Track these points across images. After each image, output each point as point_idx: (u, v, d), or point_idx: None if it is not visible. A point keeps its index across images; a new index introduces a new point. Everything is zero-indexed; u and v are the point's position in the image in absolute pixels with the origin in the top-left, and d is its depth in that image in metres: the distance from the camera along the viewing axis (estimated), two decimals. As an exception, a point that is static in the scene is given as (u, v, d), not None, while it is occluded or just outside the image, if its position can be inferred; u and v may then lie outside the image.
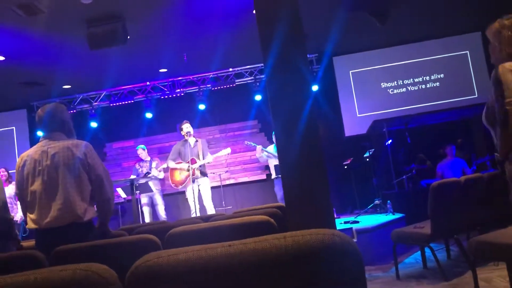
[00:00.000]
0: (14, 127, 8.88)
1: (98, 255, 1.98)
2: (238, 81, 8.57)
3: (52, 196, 2.71)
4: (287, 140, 2.51)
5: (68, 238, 2.39)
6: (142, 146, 7.96)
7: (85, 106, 8.83)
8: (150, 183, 7.47)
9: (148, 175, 7.45)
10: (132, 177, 7.58)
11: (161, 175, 7.59)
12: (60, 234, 2.65)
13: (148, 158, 7.91)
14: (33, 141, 8.48)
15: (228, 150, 6.83)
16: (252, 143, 7.42)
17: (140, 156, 7.89)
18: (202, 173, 6.65)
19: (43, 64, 6.79)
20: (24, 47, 6.06)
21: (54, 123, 2.86)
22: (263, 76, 8.41)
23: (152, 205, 7.73)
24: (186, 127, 6.71)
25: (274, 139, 7.43)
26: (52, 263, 1.98)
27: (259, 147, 7.21)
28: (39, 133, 7.13)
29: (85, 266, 0.87)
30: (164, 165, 7.35)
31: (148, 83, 8.61)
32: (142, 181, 7.33)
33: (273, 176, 7.13)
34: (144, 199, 7.68)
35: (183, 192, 6.99)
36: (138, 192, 6.90)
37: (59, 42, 6.04)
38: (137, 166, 7.89)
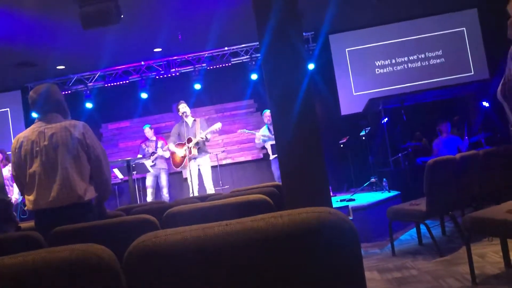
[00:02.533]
0: (8, 109, 8.82)
1: (96, 236, 1.99)
2: (234, 60, 8.51)
3: (52, 177, 2.71)
4: (283, 119, 2.51)
5: (68, 218, 2.39)
6: (149, 125, 7.99)
7: (80, 86, 8.76)
8: (157, 162, 7.53)
9: (154, 155, 7.50)
10: (139, 156, 7.62)
11: (167, 154, 7.59)
12: (60, 214, 2.66)
13: (154, 138, 7.92)
14: (28, 122, 8.44)
15: (219, 124, 6.78)
16: (247, 130, 7.43)
17: (146, 135, 7.91)
18: (200, 151, 6.65)
19: (36, 44, 6.70)
20: (16, 27, 5.97)
21: (49, 104, 2.84)
22: (258, 55, 8.35)
23: (157, 186, 7.77)
24: (182, 107, 6.70)
25: (265, 119, 7.45)
26: (50, 244, 1.99)
27: (258, 135, 7.22)
28: (34, 115, 7.09)
29: (83, 246, 0.87)
30: (166, 146, 7.38)
31: (142, 62, 8.54)
32: (149, 160, 7.37)
33: (271, 156, 7.16)
34: (148, 179, 7.70)
35: (177, 172, 7.01)
36: (135, 172, 6.91)
37: (52, 22, 5.96)
38: (143, 146, 7.93)
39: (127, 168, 6.08)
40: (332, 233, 0.83)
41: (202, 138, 6.60)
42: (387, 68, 8.44)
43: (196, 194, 6.46)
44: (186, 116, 6.69)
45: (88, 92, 8.68)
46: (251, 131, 7.39)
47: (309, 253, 0.83)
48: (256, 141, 7.40)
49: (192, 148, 6.53)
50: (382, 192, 6.11)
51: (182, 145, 6.68)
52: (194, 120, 6.80)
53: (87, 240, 0.94)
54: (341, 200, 5.72)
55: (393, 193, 5.96)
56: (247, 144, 8.81)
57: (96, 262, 0.85)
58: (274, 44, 2.63)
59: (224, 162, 8.72)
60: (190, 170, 6.53)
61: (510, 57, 2.05)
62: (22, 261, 0.85)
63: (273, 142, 6.75)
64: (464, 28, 8.27)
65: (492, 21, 7.49)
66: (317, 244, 0.83)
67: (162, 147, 7.68)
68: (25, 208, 2.83)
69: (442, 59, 8.33)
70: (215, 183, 7.32)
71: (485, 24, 8.10)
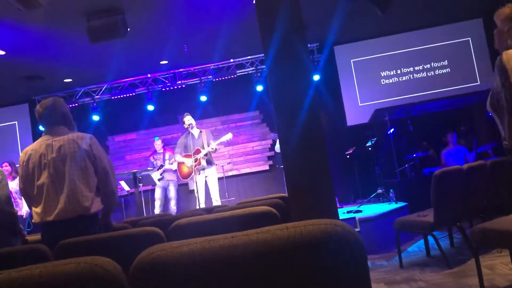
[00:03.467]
0: (16, 122, 8.89)
1: (102, 248, 1.99)
2: (240, 72, 8.55)
3: (59, 189, 2.72)
4: (288, 130, 2.51)
5: (75, 231, 2.40)
6: (158, 137, 8.07)
7: (87, 99, 8.83)
8: (165, 175, 7.55)
9: (162, 168, 7.54)
10: (149, 169, 7.66)
11: (174, 167, 7.59)
12: (67, 227, 2.66)
13: (162, 151, 7.95)
14: (36, 135, 8.50)
15: (230, 135, 6.80)
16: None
17: (156, 147, 7.96)
18: (208, 162, 6.65)
19: (43, 58, 6.78)
20: (24, 41, 6.05)
21: (55, 117, 2.87)
22: (264, 66, 8.38)
23: (166, 198, 7.78)
24: (188, 120, 6.71)
25: None
26: (56, 257, 1.99)
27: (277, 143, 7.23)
28: (42, 128, 7.14)
29: (89, 259, 0.87)
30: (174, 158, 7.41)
31: (149, 75, 8.60)
32: (156, 173, 7.40)
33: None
34: (157, 192, 7.71)
35: (185, 184, 7.00)
36: (141, 185, 6.93)
37: (59, 35, 6.03)
38: (151, 159, 7.97)
39: (134, 180, 6.10)
40: (338, 245, 0.83)
41: (212, 149, 6.59)
42: (393, 79, 8.43)
43: (203, 206, 6.45)
44: (192, 127, 6.70)
45: (95, 104, 8.74)
46: (271, 134, 7.45)
47: (315, 265, 0.83)
48: (276, 147, 7.42)
49: (201, 159, 6.54)
50: (389, 203, 6.07)
51: (189, 156, 6.67)
52: (200, 132, 6.81)
53: (93, 253, 0.94)
54: (348, 212, 5.69)
55: (400, 204, 5.92)
56: (252, 156, 8.81)
57: (102, 275, 0.85)
58: (279, 55, 2.64)
59: (230, 173, 8.72)
60: (196, 182, 6.53)
61: (497, 68, 2.04)
62: (29, 275, 0.85)
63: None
64: (470, 38, 8.27)
65: (498, 31, 7.47)
66: (323, 256, 0.82)
67: (169, 159, 7.69)
68: (32, 220, 2.84)
69: (448, 69, 8.32)
70: (222, 194, 7.31)
71: (490, 34, 8.05)
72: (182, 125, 6.87)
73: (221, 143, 6.74)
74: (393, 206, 5.83)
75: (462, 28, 8.25)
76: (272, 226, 0.87)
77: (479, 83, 8.14)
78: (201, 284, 0.84)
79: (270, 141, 8.65)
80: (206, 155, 6.60)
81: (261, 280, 0.83)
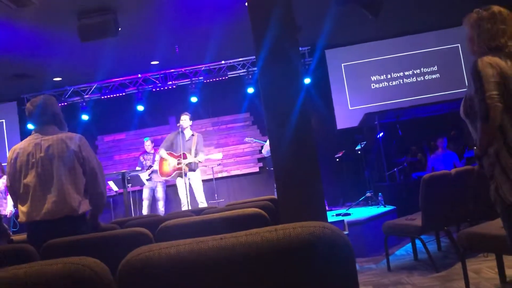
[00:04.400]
0: (4, 120, 8.79)
1: (89, 249, 1.97)
2: (231, 74, 8.54)
3: (47, 189, 2.69)
4: (279, 132, 2.51)
5: (61, 231, 2.37)
6: (148, 138, 8.01)
7: (76, 98, 8.77)
8: (154, 176, 7.53)
9: (150, 168, 7.50)
10: (138, 169, 7.61)
11: None
12: (54, 227, 2.64)
13: (152, 151, 7.91)
14: (24, 134, 8.41)
15: (220, 155, 6.80)
16: (255, 139, 7.35)
17: (146, 148, 7.91)
18: (190, 170, 6.58)
19: (33, 56, 6.72)
20: (14, 39, 5.99)
21: (45, 116, 2.84)
22: (255, 68, 8.39)
23: (153, 198, 7.73)
24: (182, 119, 6.62)
25: None
26: (43, 257, 1.97)
27: (266, 144, 7.14)
28: (30, 126, 7.07)
29: (76, 259, 0.87)
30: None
31: (139, 75, 8.56)
32: (145, 174, 7.34)
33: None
34: (145, 192, 7.67)
35: (174, 185, 6.93)
36: (130, 185, 6.88)
37: (50, 34, 5.98)
38: (141, 159, 7.93)
39: (122, 181, 6.06)
40: (327, 248, 0.83)
41: (199, 161, 6.53)
42: (383, 83, 8.49)
43: (186, 208, 6.39)
44: (183, 128, 6.61)
45: (84, 104, 8.68)
46: (259, 140, 7.33)
47: (304, 267, 0.83)
48: (263, 151, 7.35)
49: (184, 166, 6.44)
50: (377, 207, 6.10)
51: (175, 156, 6.57)
52: (192, 135, 6.73)
53: (80, 254, 0.93)
54: (336, 215, 5.70)
55: (388, 208, 5.95)
56: (243, 158, 8.80)
57: (89, 275, 0.84)
58: (270, 58, 2.65)
59: (220, 175, 8.70)
60: (184, 184, 6.48)
61: (471, 74, 2.06)
62: (14, 275, 0.84)
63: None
64: (459, 44, 8.36)
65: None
66: (311, 259, 0.82)
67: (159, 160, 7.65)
68: (18, 220, 2.80)
69: (438, 75, 8.40)
70: (211, 196, 7.29)
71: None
72: (173, 125, 6.82)
73: (211, 159, 6.70)
74: (381, 209, 5.86)
75: (451, 34, 8.33)
76: (261, 228, 0.87)
77: (467, 89, 8.21)
78: (189, 285, 0.83)
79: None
80: (190, 163, 6.52)
81: (249, 282, 0.83)
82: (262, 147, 7.40)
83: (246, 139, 7.45)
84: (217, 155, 6.78)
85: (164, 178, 6.79)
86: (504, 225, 2.14)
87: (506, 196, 2.01)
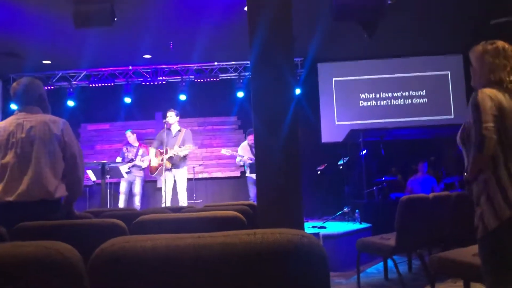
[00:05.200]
0: (-13, 98, 8.63)
1: (62, 235, 1.93)
2: (222, 76, 8.53)
3: (24, 170, 2.65)
4: (266, 139, 2.52)
5: (35, 214, 2.33)
6: (130, 130, 7.87)
7: (64, 83, 8.65)
8: (133, 169, 7.45)
9: (132, 162, 7.41)
10: (118, 159, 7.50)
11: (144, 164, 7.45)
12: (27, 209, 2.59)
13: (136, 144, 7.79)
14: (6, 113, 8.26)
15: (192, 147, 6.64)
16: (230, 151, 7.24)
17: (128, 139, 7.79)
18: (175, 166, 6.53)
19: (23, 35, 6.60)
20: (4, 16, 5.89)
21: (30, 97, 2.80)
22: (247, 73, 8.40)
23: (130, 193, 7.63)
24: (168, 116, 6.61)
25: (249, 141, 7.28)
26: (13, 239, 1.93)
27: (238, 158, 7.12)
28: (13, 106, 6.94)
29: (49, 243, 0.85)
30: (146, 156, 7.26)
31: (130, 67, 8.50)
32: (125, 166, 7.26)
33: (247, 173, 7.10)
34: (122, 185, 7.56)
35: (153, 181, 6.89)
36: (108, 176, 6.79)
37: (43, 15, 5.90)
38: (124, 149, 7.78)
39: (101, 171, 5.98)
40: (303, 257, 0.83)
41: (175, 154, 6.50)
42: (371, 102, 8.58)
43: (168, 205, 6.36)
44: (169, 124, 6.60)
45: (71, 90, 8.57)
46: (234, 153, 7.26)
47: (279, 274, 0.83)
48: (237, 160, 7.35)
49: (166, 160, 6.42)
50: (353, 223, 6.14)
51: (161, 153, 6.59)
52: (179, 131, 6.71)
53: (52, 239, 0.91)
54: (313, 227, 5.72)
55: (364, 225, 5.99)
56: (225, 161, 8.77)
57: (60, 261, 0.83)
58: (264, 64, 2.66)
59: (200, 176, 8.65)
60: (165, 180, 6.45)
61: (471, 105, 2.13)
62: (-16, 253, 0.82)
63: (252, 161, 6.71)
64: (449, 72, 8.50)
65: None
66: (287, 266, 0.82)
67: (142, 155, 7.56)
68: (-9, 199, 2.74)
69: (425, 99, 8.53)
70: (189, 196, 7.24)
71: (468, 71, 8.29)
72: (158, 121, 6.80)
73: (186, 154, 6.61)
74: (357, 226, 5.90)
75: (443, 62, 8.48)
76: (240, 231, 0.87)
77: (453, 116, 8.36)
78: (162, 281, 0.82)
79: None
80: (171, 158, 6.48)
81: (223, 283, 0.82)
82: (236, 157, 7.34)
83: (222, 151, 7.32)
84: (188, 147, 6.54)
85: (152, 175, 6.79)
86: (479, 252, 2.19)
87: (489, 223, 2.08)
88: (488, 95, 2.09)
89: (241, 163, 7.37)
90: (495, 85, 2.16)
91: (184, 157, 6.61)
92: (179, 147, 6.51)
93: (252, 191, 6.96)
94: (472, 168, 2.16)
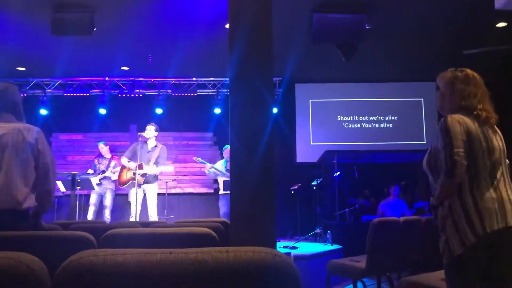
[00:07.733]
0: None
1: (28, 247, 1.87)
2: (200, 91, 8.53)
3: None
4: (242, 155, 2.51)
5: (1, 224, 2.25)
6: (103, 142, 7.75)
7: (38, 91, 8.48)
8: (104, 182, 7.30)
9: (103, 174, 7.27)
10: (90, 171, 7.36)
11: (115, 177, 7.33)
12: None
13: (109, 156, 7.66)
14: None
15: (171, 168, 6.73)
16: (201, 159, 7.32)
17: (100, 151, 7.65)
18: (146, 182, 6.46)
19: (-1, 40, 6.48)
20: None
21: (4, 103, 2.73)
22: (225, 90, 8.41)
23: (100, 205, 7.46)
24: (147, 129, 6.56)
25: (224, 155, 7.37)
26: (-25, 249, 1.85)
27: (208, 165, 7.14)
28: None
29: (14, 254, 0.82)
30: (118, 168, 7.14)
31: (107, 78, 8.40)
32: (95, 178, 7.12)
33: (221, 191, 7.07)
34: (93, 197, 7.40)
35: (124, 194, 6.75)
36: (78, 188, 6.64)
37: (19, 19, 5.78)
38: (95, 161, 7.64)
39: (72, 182, 5.85)
40: (276, 275, 0.82)
41: (154, 173, 6.46)
42: (346, 124, 8.71)
43: (137, 219, 6.25)
44: (145, 139, 6.53)
45: (45, 98, 8.41)
46: (203, 161, 7.28)
47: (251, 293, 0.82)
48: (206, 171, 7.33)
49: (138, 175, 6.33)
50: (325, 244, 6.15)
51: (133, 166, 6.49)
52: (155, 146, 6.65)
53: (18, 250, 0.88)
54: (284, 247, 5.70)
55: (335, 246, 6.01)
56: (199, 176, 8.71)
57: (25, 273, 0.80)
58: (242, 82, 2.67)
59: (173, 191, 8.55)
60: (136, 194, 6.33)
61: (440, 129, 2.15)
62: None
63: (227, 178, 6.70)
64: (422, 99, 8.73)
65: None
66: (259, 284, 0.82)
67: (114, 167, 7.43)
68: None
69: (398, 125, 8.71)
70: (161, 211, 7.15)
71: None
72: (133, 133, 6.73)
73: (161, 172, 6.66)
74: (328, 247, 5.91)
75: (416, 88, 8.70)
76: (212, 248, 0.86)
77: (425, 142, 8.54)
78: (130, 296, 0.80)
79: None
80: (145, 175, 6.42)
81: (193, 300, 0.81)
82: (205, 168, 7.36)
83: (194, 158, 7.42)
84: (169, 167, 6.65)
85: (121, 186, 6.69)
86: (446, 277, 2.21)
87: (454, 248, 2.08)
88: (457, 120, 2.12)
89: (211, 174, 7.33)
90: (464, 111, 2.20)
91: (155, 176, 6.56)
92: (155, 163, 6.44)
93: (223, 208, 6.93)
94: (440, 193, 2.17)
